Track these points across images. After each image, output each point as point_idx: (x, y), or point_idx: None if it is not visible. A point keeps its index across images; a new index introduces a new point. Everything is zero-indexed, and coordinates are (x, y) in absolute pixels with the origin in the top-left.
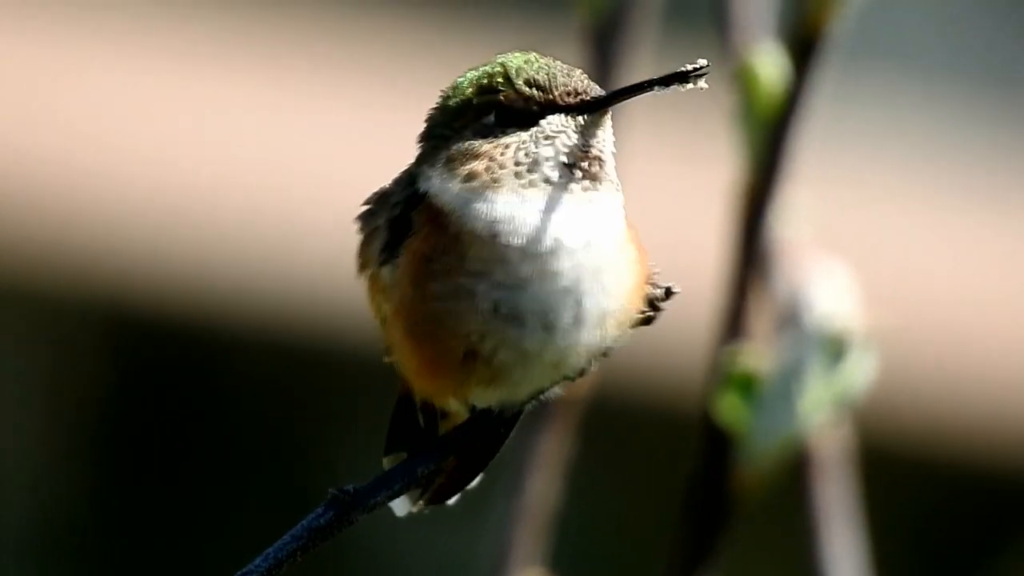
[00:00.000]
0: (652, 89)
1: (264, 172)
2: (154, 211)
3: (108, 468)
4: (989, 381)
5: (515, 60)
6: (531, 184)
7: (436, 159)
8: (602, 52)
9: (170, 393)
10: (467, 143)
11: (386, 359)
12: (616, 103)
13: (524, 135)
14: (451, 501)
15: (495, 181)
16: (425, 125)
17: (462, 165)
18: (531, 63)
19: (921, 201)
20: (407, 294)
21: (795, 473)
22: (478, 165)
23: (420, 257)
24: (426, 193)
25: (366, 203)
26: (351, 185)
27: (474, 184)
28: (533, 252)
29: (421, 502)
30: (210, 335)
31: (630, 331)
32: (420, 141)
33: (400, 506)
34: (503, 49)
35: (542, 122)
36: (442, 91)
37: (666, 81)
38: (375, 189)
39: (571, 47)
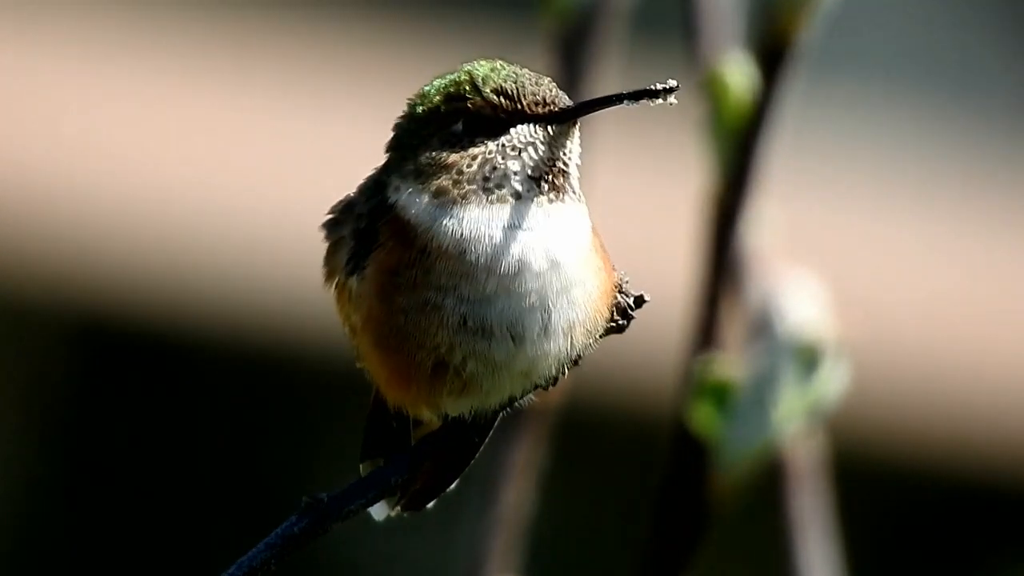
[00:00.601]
0: (621, 103)
1: (235, 180)
2: (125, 219)
3: (79, 478)
4: (961, 390)
5: (482, 68)
6: (499, 200)
7: (404, 169)
8: (570, 61)
9: (141, 402)
10: (434, 152)
11: (358, 364)
12: (585, 114)
13: (492, 145)
14: (427, 507)
15: (463, 197)
16: (392, 133)
17: (430, 178)
18: (498, 71)
19: (891, 209)
20: (374, 307)
21: (768, 482)
22: (445, 180)
23: (387, 270)
24: (393, 205)
25: (331, 212)
26: (322, 192)
27: (443, 200)
28: (499, 270)
29: (398, 507)
30: (181, 344)
31: (601, 339)
32: (388, 150)
33: (378, 510)
34: (471, 58)
35: (511, 131)
36: (409, 99)
37: (635, 96)
38: (339, 198)
39: (539, 55)
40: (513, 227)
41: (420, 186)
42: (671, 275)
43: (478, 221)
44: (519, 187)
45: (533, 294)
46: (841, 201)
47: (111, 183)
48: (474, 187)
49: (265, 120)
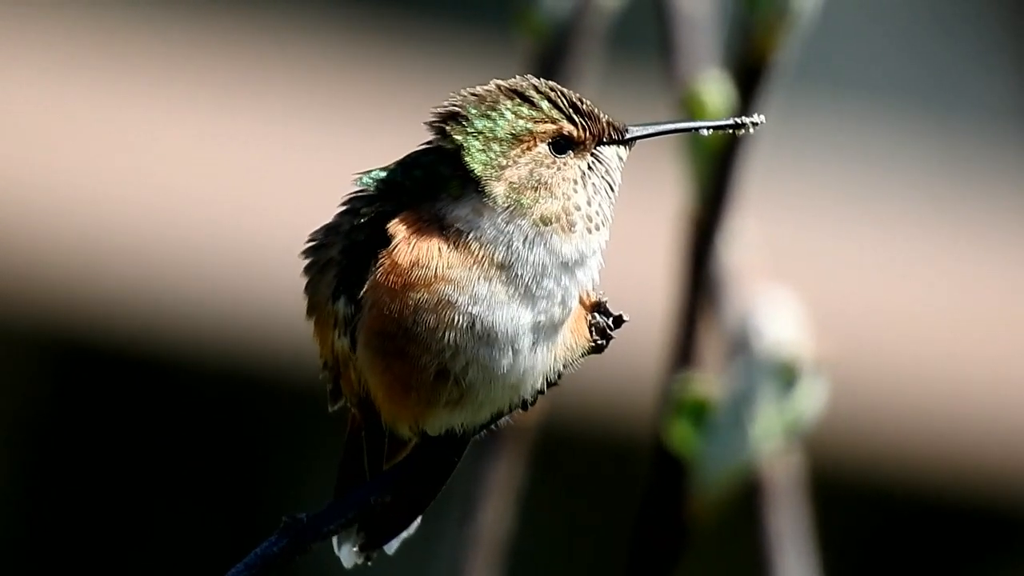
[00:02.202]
0: (697, 132)
1: (209, 193)
2: (95, 233)
3: (50, 496)
4: (939, 406)
5: (547, 88)
6: (596, 228)
7: (489, 188)
8: (546, 78)
9: (119, 420)
10: (530, 174)
11: (331, 408)
12: (646, 137)
13: (583, 167)
14: (388, 547)
15: (570, 226)
16: (451, 149)
17: (533, 203)
18: (558, 91)
19: (868, 227)
20: (383, 306)
21: (747, 500)
22: (553, 205)
23: (404, 265)
24: (436, 212)
25: (312, 238)
26: (299, 210)
27: (551, 228)
28: (536, 294)
29: (367, 549)
30: (160, 361)
31: (580, 359)
32: (446, 168)
33: (347, 557)
34: (446, 78)
35: (601, 154)
36: (464, 113)
37: (720, 127)
38: (318, 225)
39: (515, 73)
40: (573, 259)
41: (522, 208)
42: (649, 294)
43: (546, 245)
44: (609, 212)
45: (542, 313)
46: (818, 219)
47: (79, 195)
48: (579, 215)
49: (241, 132)
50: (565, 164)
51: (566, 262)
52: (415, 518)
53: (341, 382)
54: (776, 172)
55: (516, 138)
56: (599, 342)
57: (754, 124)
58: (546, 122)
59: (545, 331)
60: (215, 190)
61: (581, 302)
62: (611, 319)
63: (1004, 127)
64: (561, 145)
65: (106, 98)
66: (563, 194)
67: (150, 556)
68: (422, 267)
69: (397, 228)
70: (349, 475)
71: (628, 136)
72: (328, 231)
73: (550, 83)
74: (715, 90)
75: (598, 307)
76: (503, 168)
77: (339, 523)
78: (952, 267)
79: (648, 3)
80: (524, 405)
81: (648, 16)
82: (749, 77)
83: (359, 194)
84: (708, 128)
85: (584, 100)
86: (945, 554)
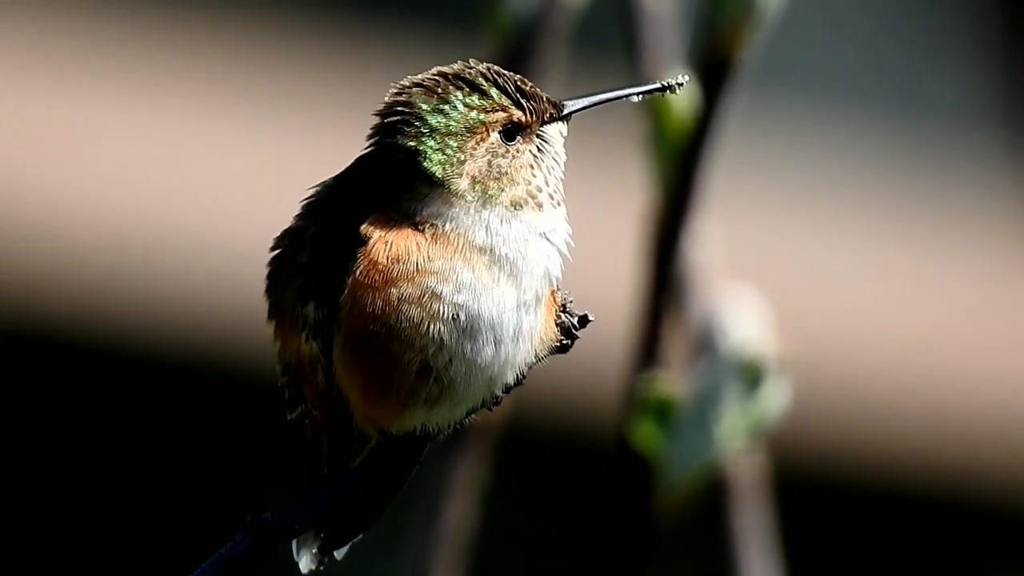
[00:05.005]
0: (630, 98)
1: (168, 188)
2: (53, 227)
3: (5, 493)
4: (903, 405)
5: (478, 70)
6: (558, 203)
7: (454, 185)
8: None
9: (75, 414)
10: (490, 164)
11: (289, 415)
12: (587, 109)
13: (539, 151)
14: (341, 550)
15: (539, 206)
16: (402, 146)
17: (500, 191)
18: (499, 73)
19: (832, 226)
20: (365, 304)
21: (711, 499)
22: (519, 191)
23: (384, 261)
24: (407, 211)
25: (276, 245)
26: (263, 207)
27: (518, 211)
28: (520, 272)
29: (327, 548)
30: (113, 355)
31: (545, 359)
32: (395, 167)
33: (305, 561)
34: (412, 72)
35: (545, 134)
36: (414, 110)
37: (647, 91)
38: (279, 231)
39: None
40: (548, 230)
41: (487, 197)
42: (614, 293)
43: (531, 225)
44: (552, 193)
45: (525, 294)
46: (783, 218)
47: (39, 191)
48: (544, 195)
49: (214, 129)
50: (518, 150)
51: (544, 234)
52: (376, 518)
53: (304, 387)
54: (740, 172)
55: (470, 131)
56: (564, 341)
57: (679, 84)
58: (497, 111)
59: (528, 311)
60: (189, 187)
61: (553, 297)
62: (576, 319)
63: (964, 127)
64: (510, 131)
65: (65, 89)
66: (523, 179)
67: (113, 555)
68: (403, 262)
69: (370, 229)
70: (312, 476)
71: (566, 112)
72: (292, 235)
73: (494, 68)
74: (680, 88)
75: (563, 307)
76: (463, 163)
77: (304, 522)
78: (914, 265)
79: (613, 1)
80: (492, 403)
81: (613, 14)
82: (714, 75)
83: (318, 199)
84: (638, 94)
85: (525, 81)
86: (910, 551)
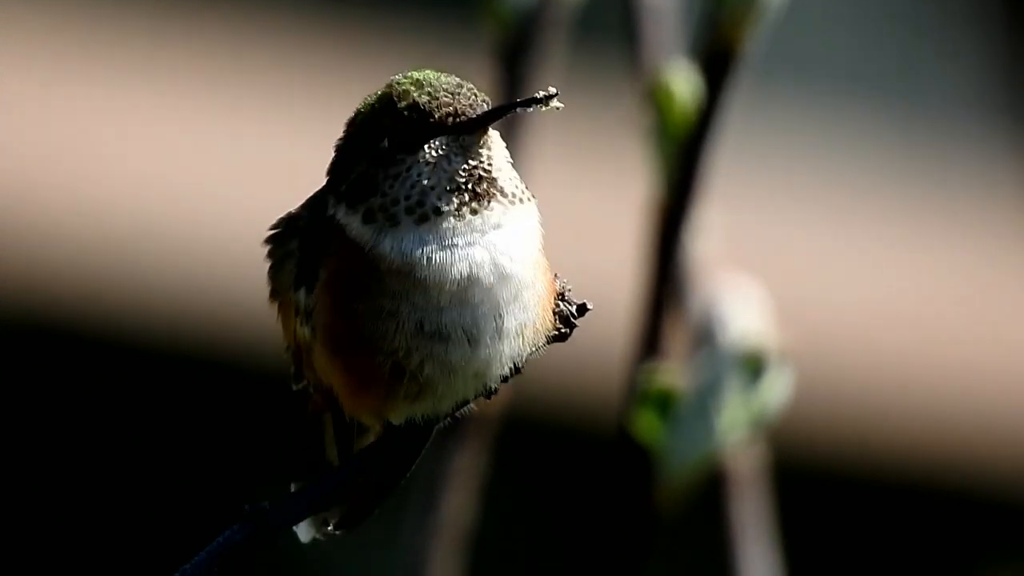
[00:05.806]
0: (515, 110)
1: (168, 184)
2: (56, 221)
3: (7, 486)
4: (903, 397)
5: (404, 82)
6: (423, 218)
7: (339, 191)
8: (512, 68)
9: (76, 404)
10: (362, 173)
11: (295, 387)
12: (489, 123)
13: (409, 162)
14: (362, 524)
15: (391, 219)
16: (335, 150)
17: (358, 202)
18: (420, 85)
19: (834, 217)
20: (330, 313)
21: (712, 491)
22: (373, 202)
23: (341, 277)
24: (337, 221)
25: (274, 227)
26: (268, 203)
27: (375, 224)
28: (448, 287)
29: (331, 527)
30: (111, 346)
31: (544, 348)
32: (331, 167)
33: (304, 532)
34: (412, 66)
35: (425, 147)
36: (351, 115)
37: (526, 103)
38: (282, 214)
39: (481, 63)
40: (452, 241)
41: (351, 209)
42: (615, 283)
43: (413, 241)
44: (439, 201)
45: (485, 304)
46: (785, 209)
47: (31, 181)
48: (399, 208)
49: (207, 125)
50: (394, 161)
51: (481, 233)
52: (379, 504)
53: (304, 368)
54: (743, 162)
55: (358, 137)
56: (563, 331)
57: (548, 97)
58: (378, 119)
59: (497, 316)
60: (189, 178)
61: (552, 285)
62: (575, 307)
63: (968, 118)
64: (396, 142)
65: (60, 78)
66: (380, 191)
67: (112, 545)
68: (359, 286)
69: (334, 238)
70: (310, 462)
71: (462, 124)
72: (289, 222)
73: (425, 74)
74: (682, 80)
75: (561, 295)
76: (349, 168)
77: (302, 512)
78: (917, 258)
79: None
80: (488, 393)
81: (614, 6)
82: (716, 67)
83: (322, 192)
84: (521, 106)
85: (446, 91)
86: (910, 543)
